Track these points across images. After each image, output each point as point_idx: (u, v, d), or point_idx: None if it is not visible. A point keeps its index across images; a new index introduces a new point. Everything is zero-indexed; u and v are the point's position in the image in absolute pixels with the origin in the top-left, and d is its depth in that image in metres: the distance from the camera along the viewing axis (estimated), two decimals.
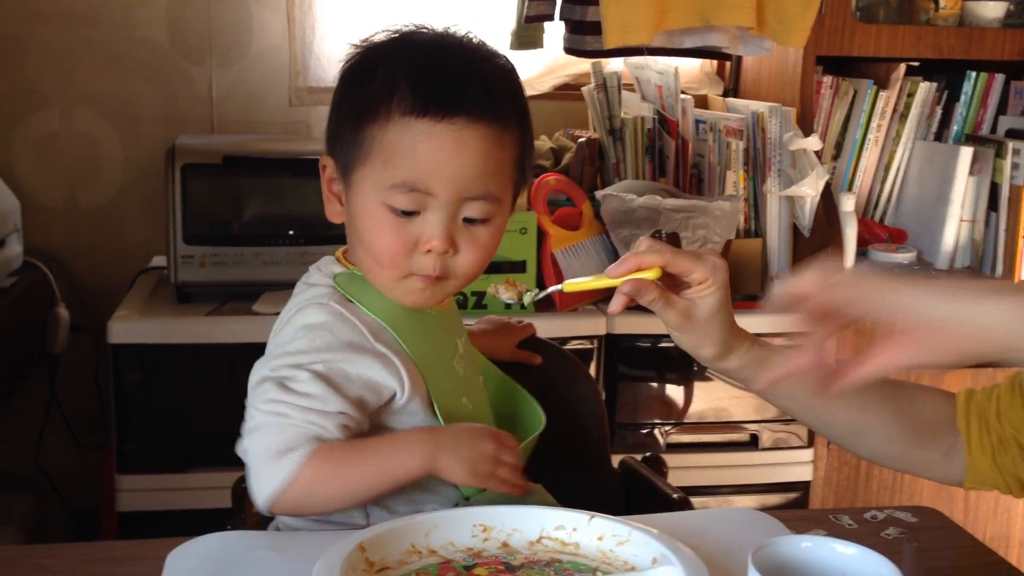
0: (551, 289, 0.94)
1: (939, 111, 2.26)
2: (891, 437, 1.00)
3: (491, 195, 0.93)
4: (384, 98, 0.90)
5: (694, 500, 1.14)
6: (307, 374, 0.90)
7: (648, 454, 1.28)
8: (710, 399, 2.04)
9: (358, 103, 0.93)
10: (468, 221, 0.93)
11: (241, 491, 1.09)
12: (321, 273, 0.99)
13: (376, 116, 0.91)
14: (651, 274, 0.90)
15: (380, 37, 0.96)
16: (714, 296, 0.92)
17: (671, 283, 0.94)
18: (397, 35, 0.95)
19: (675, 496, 1.12)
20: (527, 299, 0.93)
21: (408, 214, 0.91)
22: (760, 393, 1.01)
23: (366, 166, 0.92)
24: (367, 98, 0.92)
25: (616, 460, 1.27)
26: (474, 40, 0.96)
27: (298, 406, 0.89)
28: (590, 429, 1.26)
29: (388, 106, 0.90)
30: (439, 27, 0.96)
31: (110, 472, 1.87)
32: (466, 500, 0.98)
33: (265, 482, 0.88)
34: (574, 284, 0.93)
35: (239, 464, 1.02)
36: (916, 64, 2.22)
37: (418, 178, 0.90)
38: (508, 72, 0.96)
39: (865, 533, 0.97)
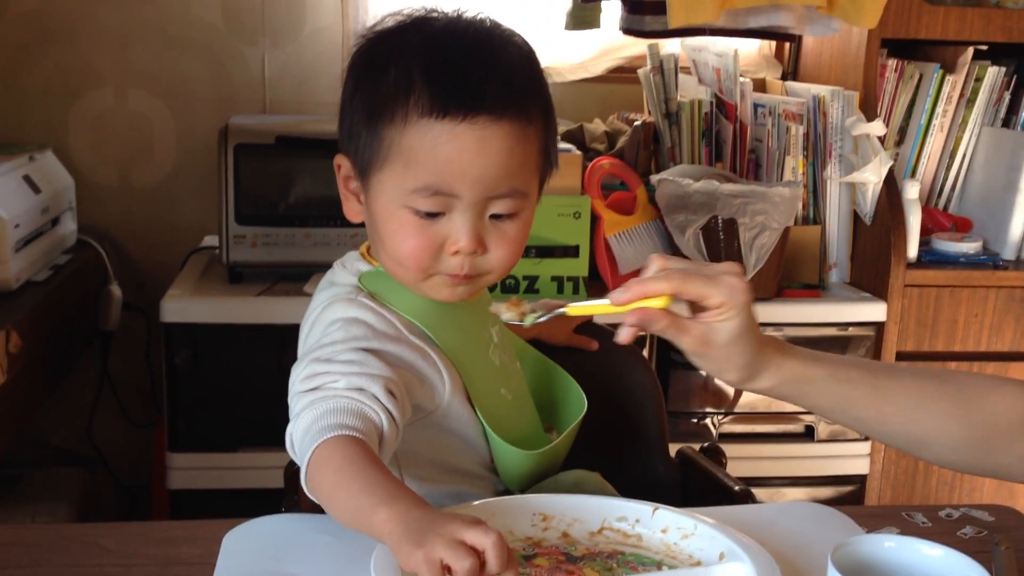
0: (554, 312, 0.87)
1: (1007, 96, 2.18)
2: (957, 446, 0.89)
3: (517, 191, 0.89)
4: (400, 98, 0.85)
5: None
6: (348, 349, 0.86)
7: (707, 444, 1.24)
8: None
9: (372, 102, 0.87)
10: (494, 217, 0.89)
11: (294, 474, 1.08)
12: (346, 271, 0.96)
13: (393, 117, 0.86)
14: (660, 302, 0.82)
15: (390, 24, 0.91)
16: (734, 321, 0.82)
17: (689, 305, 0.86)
18: (408, 22, 0.90)
19: (737, 488, 1.09)
20: (528, 321, 0.87)
21: (432, 216, 0.87)
22: (794, 401, 0.90)
23: (385, 169, 0.87)
24: (381, 97, 0.86)
25: (672, 450, 1.24)
26: (487, 23, 0.90)
27: (340, 372, 0.83)
28: (647, 417, 1.24)
29: (405, 107, 0.85)
30: (450, 10, 0.91)
31: (161, 450, 1.88)
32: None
33: (301, 461, 0.82)
34: (578, 308, 0.87)
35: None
36: (984, 48, 2.15)
37: (441, 181, 0.85)
38: (527, 57, 0.91)
39: (940, 532, 0.93)
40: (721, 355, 0.83)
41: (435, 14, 0.91)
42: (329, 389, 0.83)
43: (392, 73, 0.86)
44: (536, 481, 0.97)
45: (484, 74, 0.86)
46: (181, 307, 1.81)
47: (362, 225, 0.96)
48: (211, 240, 2.13)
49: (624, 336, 0.84)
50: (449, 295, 0.92)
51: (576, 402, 1.06)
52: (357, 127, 0.89)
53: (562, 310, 0.87)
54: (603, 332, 1.26)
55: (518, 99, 0.87)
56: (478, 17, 0.91)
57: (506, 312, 0.87)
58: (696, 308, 0.85)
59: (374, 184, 0.89)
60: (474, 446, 0.96)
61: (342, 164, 0.94)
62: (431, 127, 0.84)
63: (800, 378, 0.86)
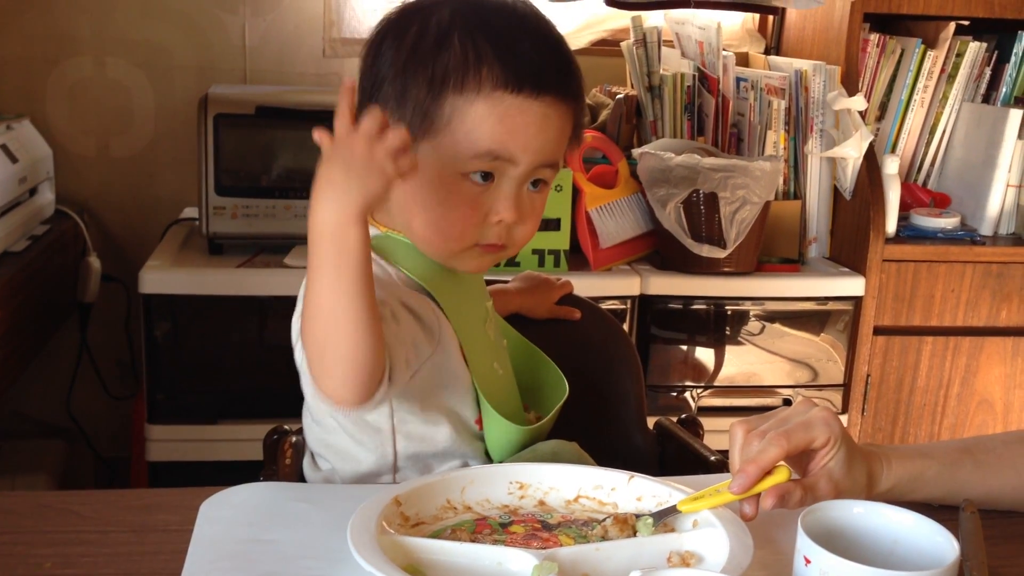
0: (666, 517, 0.82)
1: (988, 72, 2.19)
2: None
3: (557, 163, 0.94)
4: (471, 69, 0.89)
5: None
6: None
7: (684, 416, 1.25)
8: (743, 363, 2.01)
9: (433, 70, 0.89)
10: (531, 187, 0.94)
11: (273, 443, 1.08)
12: None
13: (462, 87, 0.89)
14: (783, 474, 0.80)
15: None
16: (842, 451, 0.84)
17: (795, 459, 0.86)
18: None
19: (713, 458, 1.10)
20: (643, 532, 0.81)
21: (484, 180, 0.91)
22: (910, 497, 0.89)
23: (440, 136, 0.90)
24: (445, 66, 0.89)
25: (649, 422, 1.25)
26: (524, 2, 0.95)
27: None
28: (626, 389, 1.24)
29: (478, 78, 0.89)
30: None
31: (140, 422, 1.88)
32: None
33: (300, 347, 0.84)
34: (692, 505, 0.81)
35: (269, 416, 1.01)
36: (966, 23, 2.16)
37: (504, 148, 0.90)
38: (566, 43, 0.96)
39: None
40: (846, 486, 0.84)
41: None
42: None
43: (456, 44, 0.89)
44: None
45: (550, 56, 0.92)
46: (160, 279, 1.80)
47: None
48: (191, 211, 2.12)
49: (752, 510, 0.82)
50: (477, 266, 0.96)
51: (556, 385, 1.07)
52: (408, 92, 0.90)
53: (673, 513, 0.82)
54: (584, 305, 1.27)
55: (574, 81, 0.94)
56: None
57: (618, 532, 0.81)
58: (803, 461, 0.85)
59: (424, 148, 0.91)
60: (463, 412, 0.97)
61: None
62: (503, 99, 0.89)
63: (913, 475, 0.88)
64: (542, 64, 0.91)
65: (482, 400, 0.96)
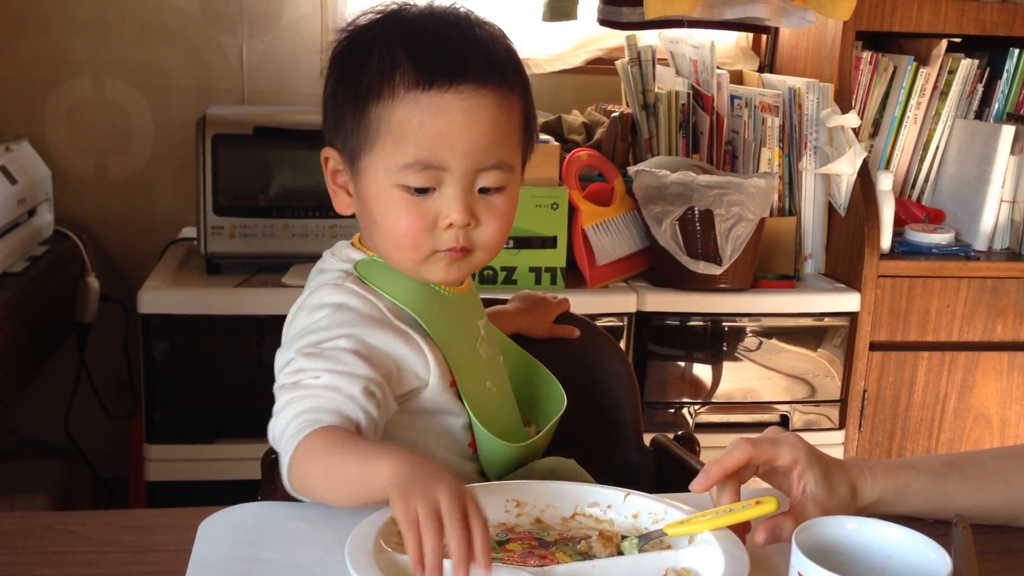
0: (652, 539, 0.82)
1: (980, 89, 2.21)
2: None
3: (504, 163, 0.91)
4: (386, 76, 0.88)
5: None
6: (332, 346, 0.88)
7: (680, 432, 1.26)
8: (740, 379, 2.02)
9: (357, 86, 0.90)
10: (484, 191, 0.91)
11: (271, 463, 1.08)
12: (335, 258, 0.97)
13: (380, 95, 0.88)
14: (772, 505, 0.80)
15: (365, 20, 0.93)
16: (815, 468, 0.84)
17: (772, 477, 0.88)
18: (385, 14, 0.93)
19: None
20: (627, 550, 0.82)
21: (423, 191, 0.89)
22: (898, 511, 0.89)
23: (375, 150, 0.89)
24: (366, 79, 0.89)
25: (646, 439, 1.25)
26: (462, 10, 0.94)
27: (324, 370, 0.85)
28: (623, 406, 1.25)
29: (392, 83, 0.87)
30: (423, 2, 0.94)
31: (139, 441, 1.88)
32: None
33: (283, 459, 0.85)
34: (679, 529, 0.82)
35: (267, 436, 1.01)
36: (958, 40, 2.18)
37: (431, 155, 0.87)
38: (503, 37, 0.94)
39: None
40: (832, 505, 0.84)
41: (409, 5, 0.93)
42: (308, 387, 0.85)
43: (375, 56, 0.89)
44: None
45: (465, 46, 0.89)
46: (159, 298, 1.80)
47: (343, 217, 0.97)
48: (189, 231, 2.13)
49: (761, 540, 0.82)
50: (446, 274, 0.93)
51: (555, 398, 1.07)
52: (343, 115, 0.91)
53: (660, 530, 0.83)
54: (580, 323, 1.27)
55: (499, 69, 0.90)
56: (454, 6, 0.94)
57: (601, 548, 0.82)
58: (785, 486, 0.87)
59: (364, 168, 0.91)
60: (455, 436, 0.97)
61: (330, 157, 0.95)
62: (419, 100, 0.87)
63: (898, 487, 0.88)
64: (454, 54, 0.88)
65: (474, 423, 0.95)
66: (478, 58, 0.89)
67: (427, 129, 0.87)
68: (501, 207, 0.92)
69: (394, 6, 0.93)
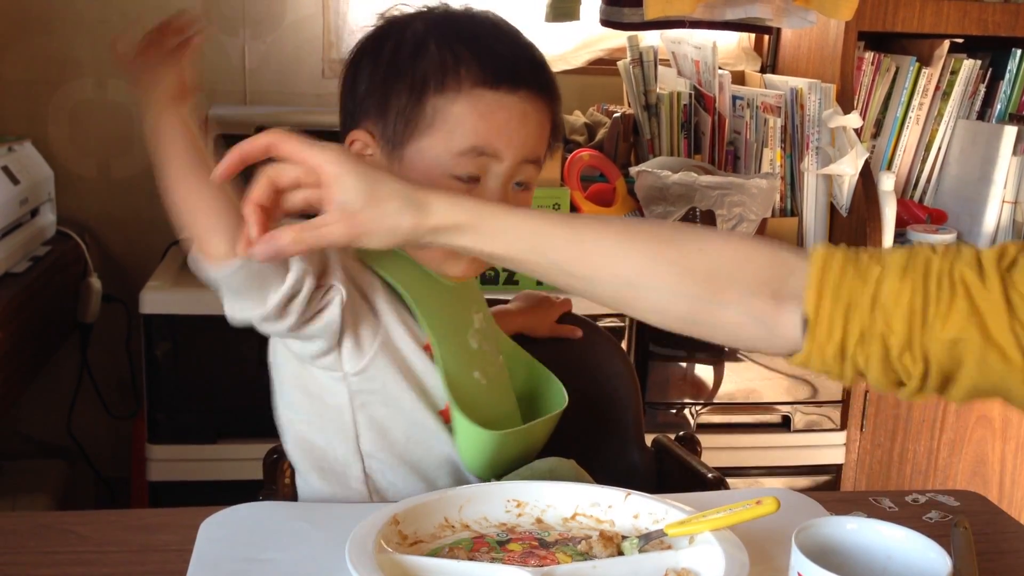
0: (653, 539, 0.82)
1: (983, 89, 2.21)
2: (674, 293, 0.77)
3: (540, 160, 0.97)
4: (449, 70, 0.93)
5: None
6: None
7: (681, 433, 1.26)
8: (741, 380, 2.02)
9: (414, 75, 0.94)
10: (517, 186, 0.96)
11: (272, 463, 1.09)
12: None
13: (442, 88, 0.93)
14: (771, 506, 0.78)
15: (401, 14, 0.98)
16: (351, 178, 0.80)
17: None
18: (425, 11, 0.98)
19: (710, 475, 1.10)
20: (628, 550, 0.81)
21: (472, 180, 0.93)
22: (479, 245, 0.80)
23: (427, 136, 0.93)
24: (424, 71, 0.93)
25: (648, 439, 1.25)
26: (493, 15, 1.00)
27: None
28: (624, 407, 1.25)
29: (456, 77, 0.93)
30: (455, 5, 1.01)
31: (141, 441, 1.89)
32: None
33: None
34: (678, 529, 0.81)
35: (270, 436, 1.02)
36: (960, 41, 2.17)
37: (488, 143, 0.93)
38: (536, 46, 1.01)
39: (906, 516, 0.94)
40: (367, 215, 0.78)
41: (445, 5, 1.00)
42: None
43: (434, 50, 0.94)
44: (505, 470, 0.98)
45: (521, 53, 0.97)
46: (161, 299, 1.81)
47: None
48: None
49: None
50: (465, 269, 0.98)
51: (557, 397, 1.07)
52: (389, 102, 0.94)
53: (660, 536, 0.82)
54: (581, 323, 1.28)
55: (547, 76, 0.99)
56: (489, 12, 1.00)
57: (602, 548, 0.81)
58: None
59: (411, 154, 0.94)
60: (428, 392, 0.96)
61: (359, 139, 0.97)
62: (483, 96, 0.93)
63: (481, 210, 0.78)
64: (516, 61, 0.95)
65: (450, 399, 0.95)
66: (533, 66, 0.97)
67: (488, 121, 0.93)
68: (526, 203, 0.98)
69: (430, 5, 0.99)
